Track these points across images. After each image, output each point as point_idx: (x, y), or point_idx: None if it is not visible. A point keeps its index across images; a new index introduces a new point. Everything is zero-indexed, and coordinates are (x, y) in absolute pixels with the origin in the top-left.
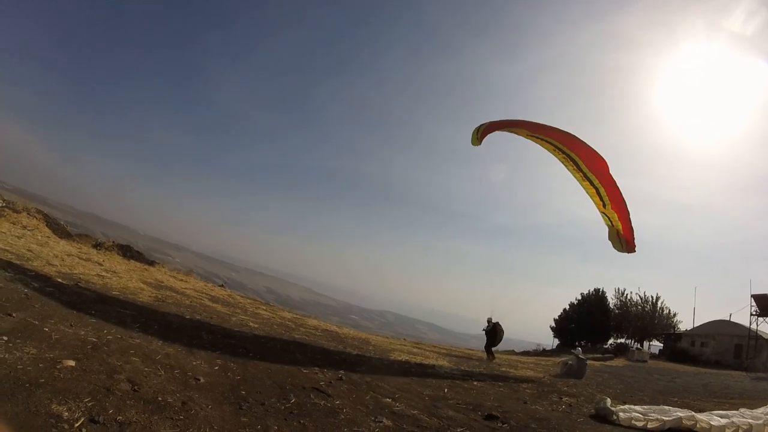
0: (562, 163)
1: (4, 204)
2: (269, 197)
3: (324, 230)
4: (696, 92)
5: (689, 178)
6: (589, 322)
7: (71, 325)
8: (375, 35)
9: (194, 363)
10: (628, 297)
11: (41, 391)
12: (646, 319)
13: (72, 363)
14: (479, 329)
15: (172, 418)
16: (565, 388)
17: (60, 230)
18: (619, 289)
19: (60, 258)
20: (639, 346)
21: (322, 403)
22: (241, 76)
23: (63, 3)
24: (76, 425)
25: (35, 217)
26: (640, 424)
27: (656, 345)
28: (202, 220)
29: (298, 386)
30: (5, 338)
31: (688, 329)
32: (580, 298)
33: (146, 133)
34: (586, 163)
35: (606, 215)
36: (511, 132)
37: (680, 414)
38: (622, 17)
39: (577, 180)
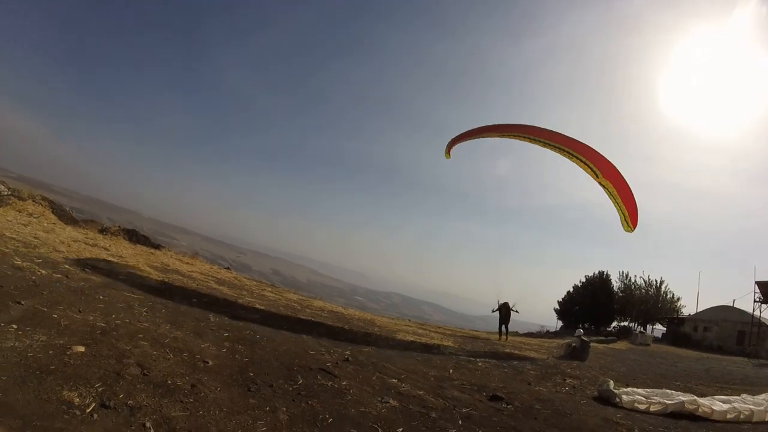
0: (544, 147)
1: (9, 192)
2: (275, 179)
3: (331, 212)
4: (707, 75)
5: (697, 162)
6: (592, 304)
7: (80, 311)
8: (383, 17)
9: (202, 346)
10: (632, 280)
11: (52, 377)
12: (649, 302)
13: (81, 349)
14: (485, 311)
15: (182, 401)
16: (569, 370)
17: (66, 216)
18: (623, 272)
19: (66, 244)
20: (642, 329)
21: (329, 384)
22: (248, 58)
23: None
24: (88, 411)
25: (41, 204)
26: (642, 406)
27: (659, 329)
28: (208, 203)
29: (305, 367)
30: (14, 326)
31: (692, 314)
32: (584, 280)
33: (151, 116)
34: (563, 143)
35: (603, 186)
36: (482, 137)
37: (682, 398)
38: None
39: (566, 157)
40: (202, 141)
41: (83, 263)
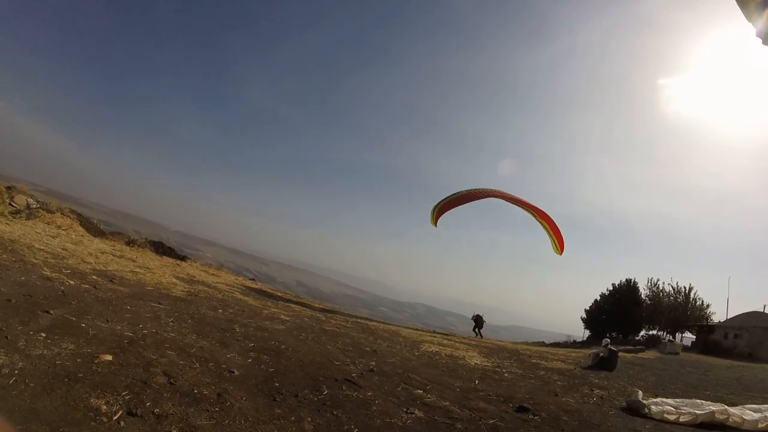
0: (513, 204)
1: (38, 205)
2: (298, 191)
3: (353, 224)
4: (729, 75)
5: (722, 164)
6: (620, 313)
7: (107, 321)
8: (401, 30)
9: (228, 356)
10: (661, 287)
11: (80, 385)
12: (678, 310)
13: (109, 357)
14: (511, 321)
15: (208, 410)
16: (597, 380)
17: (93, 229)
18: (651, 279)
19: (94, 256)
20: (671, 338)
21: (354, 394)
22: (269, 72)
23: (93, 8)
24: (114, 418)
25: (69, 216)
26: (672, 417)
27: (688, 337)
28: (232, 215)
29: (330, 378)
30: (43, 334)
31: (722, 321)
32: (611, 288)
33: (175, 130)
34: (523, 205)
35: (540, 223)
36: (467, 202)
37: (713, 408)
38: None
39: (520, 207)
40: (226, 154)
41: (111, 274)
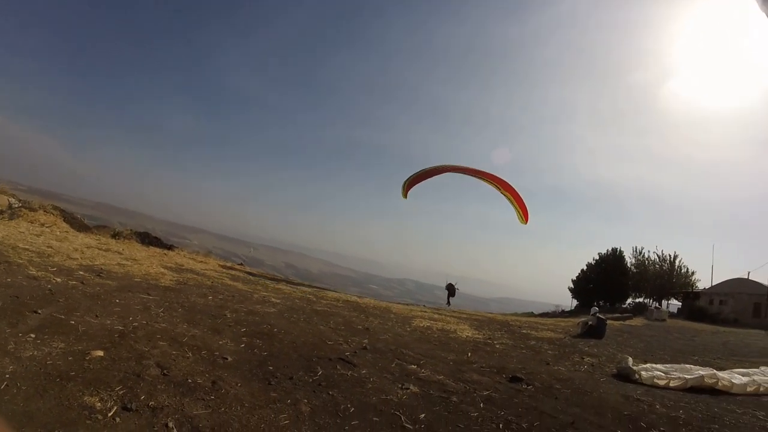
0: (478, 179)
1: (20, 204)
2: (285, 174)
3: (343, 204)
4: (711, 44)
5: (705, 134)
6: (607, 281)
7: (97, 316)
8: (382, 5)
9: (220, 342)
10: (646, 256)
11: (72, 384)
12: (664, 277)
13: (101, 353)
14: (500, 293)
15: (203, 399)
16: (586, 348)
17: (78, 224)
18: (636, 248)
19: (80, 251)
20: (657, 305)
21: (348, 373)
22: (252, 58)
23: (71, 6)
24: (110, 414)
25: (52, 213)
26: (662, 382)
27: (674, 304)
28: (218, 201)
29: (323, 358)
30: (33, 335)
31: (707, 288)
32: (597, 258)
33: (158, 121)
34: (487, 177)
35: (505, 196)
36: (435, 176)
37: (702, 372)
38: None
39: (484, 181)
40: (208, 141)
41: (98, 269)
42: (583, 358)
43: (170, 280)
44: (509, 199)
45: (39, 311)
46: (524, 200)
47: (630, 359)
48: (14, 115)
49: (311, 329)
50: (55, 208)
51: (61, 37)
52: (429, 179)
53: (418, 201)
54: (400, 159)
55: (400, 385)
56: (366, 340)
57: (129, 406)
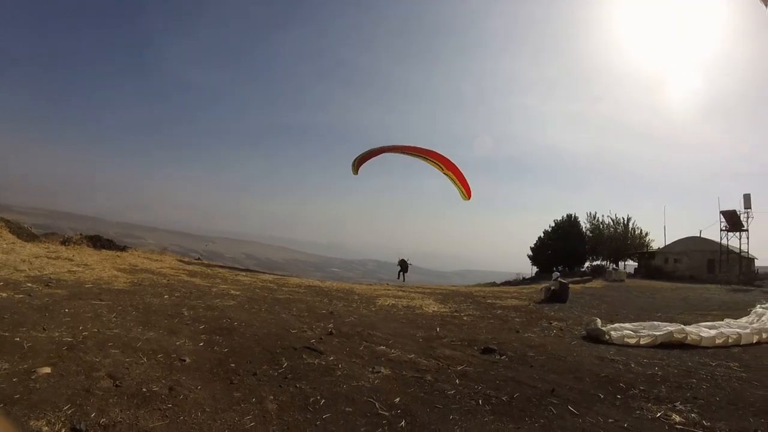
0: (421, 160)
1: None
2: (233, 160)
3: (294, 187)
4: (657, 14)
5: (651, 101)
6: (564, 247)
7: (44, 329)
8: None
9: (177, 343)
10: (601, 220)
11: (17, 407)
12: (619, 240)
13: (47, 370)
14: (462, 265)
15: (159, 409)
16: (552, 313)
17: (25, 234)
18: (590, 213)
19: (28, 262)
20: (615, 266)
21: (316, 361)
22: (186, 43)
23: None
24: None
25: None
26: (632, 341)
27: (631, 264)
28: (171, 197)
29: (288, 348)
30: None
31: (661, 247)
32: (553, 224)
33: (96, 115)
34: (430, 156)
35: (446, 175)
36: (382, 154)
37: (670, 328)
38: None
39: (428, 163)
40: (153, 132)
41: (46, 278)
42: (551, 323)
43: (124, 282)
44: (451, 177)
45: None
46: (466, 177)
47: (598, 320)
48: None
49: (273, 319)
50: (0, 219)
51: None
52: (380, 156)
53: (376, 180)
54: (355, 140)
55: (370, 369)
56: (331, 325)
57: (78, 427)
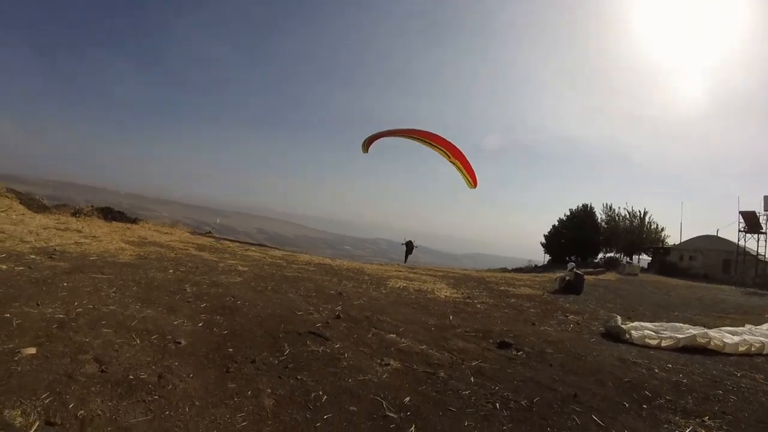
0: (427, 147)
1: None
2: (251, 138)
3: (314, 165)
4: (680, 7)
5: (673, 96)
6: (578, 236)
7: (37, 304)
8: None
9: (175, 323)
10: (616, 212)
11: None
12: (634, 233)
13: (32, 350)
14: (472, 248)
15: (144, 401)
16: (567, 305)
17: (36, 205)
18: (607, 204)
19: (35, 233)
20: (629, 259)
21: (320, 349)
22: (205, 19)
23: None
24: None
25: (6, 196)
26: (653, 342)
27: (644, 259)
28: (186, 170)
29: (292, 332)
30: None
31: (677, 243)
32: (569, 213)
33: (116, 93)
34: (436, 142)
35: (453, 163)
36: (392, 137)
37: (693, 331)
38: None
39: (442, 155)
40: (167, 109)
41: (51, 250)
42: (567, 316)
43: (130, 255)
44: (457, 165)
45: None
46: (472, 166)
47: (618, 318)
48: None
49: (279, 299)
50: (10, 190)
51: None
52: (393, 139)
53: (392, 162)
54: (375, 121)
55: (379, 361)
56: (339, 307)
57: (53, 420)
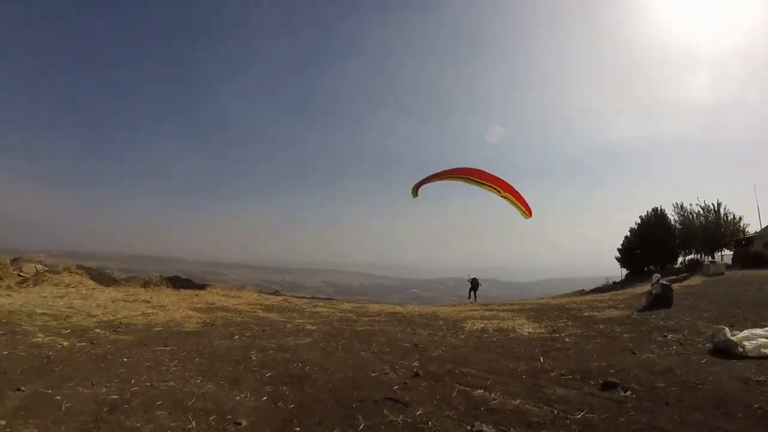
0: (478, 186)
1: (45, 268)
2: (305, 196)
3: (365, 214)
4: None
5: (709, 76)
6: (653, 244)
7: (92, 384)
8: (371, 12)
9: (237, 398)
10: (689, 210)
11: None
12: (711, 229)
13: None
14: (540, 275)
15: None
16: (661, 322)
17: (106, 279)
18: (677, 203)
19: (103, 306)
20: (712, 258)
21: (399, 418)
22: (245, 88)
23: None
24: None
25: (77, 273)
26: None
27: (726, 254)
28: (250, 234)
29: (366, 400)
30: (3, 422)
31: (758, 231)
32: (639, 222)
33: (169, 168)
34: (486, 179)
35: (504, 197)
36: (440, 180)
37: None
38: None
39: (491, 192)
40: (224, 178)
41: (117, 323)
42: (666, 336)
43: (196, 323)
44: (509, 199)
45: (23, 388)
46: (523, 195)
47: (727, 330)
48: (20, 181)
49: (351, 359)
50: (80, 267)
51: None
52: (437, 182)
53: (445, 200)
54: (409, 162)
55: (469, 428)
56: (416, 363)
57: None
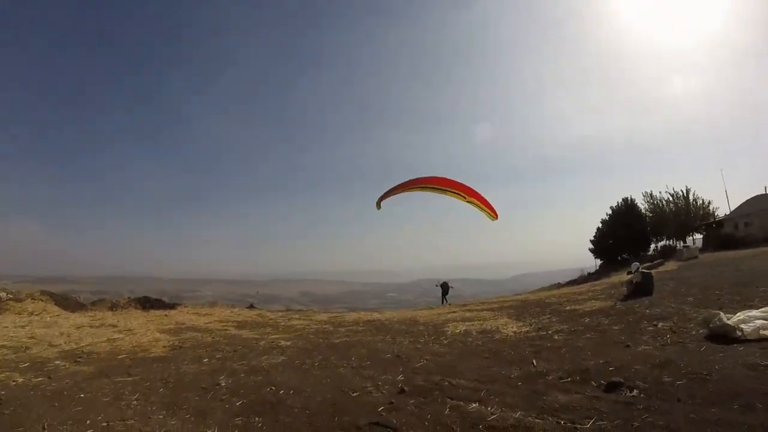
0: (442, 194)
1: (9, 296)
2: (279, 207)
3: (338, 222)
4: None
5: (676, 68)
6: (625, 233)
7: (44, 427)
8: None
9: None
10: (659, 198)
11: None
12: (681, 215)
13: None
14: (514, 271)
15: None
16: (647, 311)
17: (72, 304)
18: (647, 192)
19: (66, 335)
20: (685, 243)
21: None
22: (214, 104)
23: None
24: None
25: (41, 299)
26: None
27: (698, 238)
28: (222, 249)
29: (349, 427)
30: None
31: (727, 213)
32: (610, 212)
33: (141, 186)
34: (450, 186)
35: (470, 202)
36: (404, 191)
37: None
38: None
39: (457, 198)
40: (198, 193)
41: (78, 353)
42: (656, 325)
43: (163, 346)
44: (475, 203)
45: None
46: (488, 200)
47: (722, 314)
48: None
49: (329, 377)
50: (44, 293)
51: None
52: (400, 194)
53: (413, 205)
54: (379, 169)
55: None
56: (401, 377)
57: None
